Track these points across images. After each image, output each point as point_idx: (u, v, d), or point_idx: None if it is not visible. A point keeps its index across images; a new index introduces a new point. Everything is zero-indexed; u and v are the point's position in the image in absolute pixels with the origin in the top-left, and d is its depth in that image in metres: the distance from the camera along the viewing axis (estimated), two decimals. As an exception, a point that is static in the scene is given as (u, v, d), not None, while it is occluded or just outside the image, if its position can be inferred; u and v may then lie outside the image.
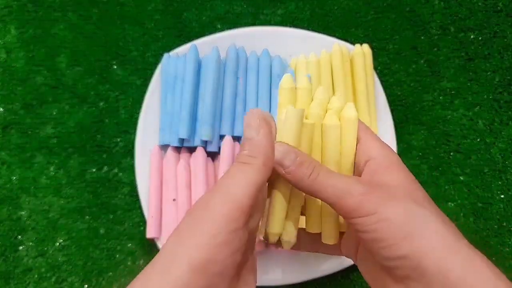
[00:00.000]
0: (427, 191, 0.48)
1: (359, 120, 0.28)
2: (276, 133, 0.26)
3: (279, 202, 0.27)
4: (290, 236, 0.28)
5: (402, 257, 0.23)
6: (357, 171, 0.28)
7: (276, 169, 0.25)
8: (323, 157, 0.28)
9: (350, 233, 0.30)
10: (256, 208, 0.25)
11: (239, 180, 0.23)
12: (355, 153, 0.28)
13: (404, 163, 0.48)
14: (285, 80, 0.28)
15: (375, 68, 0.48)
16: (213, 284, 0.21)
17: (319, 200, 0.28)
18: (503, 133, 0.49)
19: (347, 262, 0.43)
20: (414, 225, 0.23)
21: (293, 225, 0.28)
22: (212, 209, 0.22)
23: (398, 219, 0.23)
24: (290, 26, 0.51)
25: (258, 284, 0.43)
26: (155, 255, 0.23)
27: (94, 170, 0.47)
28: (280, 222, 0.28)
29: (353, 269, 0.45)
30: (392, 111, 0.47)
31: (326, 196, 0.25)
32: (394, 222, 0.23)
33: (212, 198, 0.23)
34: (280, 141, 0.26)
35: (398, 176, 0.26)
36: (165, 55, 0.46)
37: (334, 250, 0.31)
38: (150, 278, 0.21)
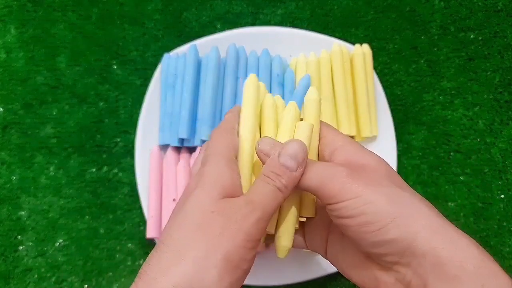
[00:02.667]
0: (427, 191, 0.48)
1: (321, 121, 0.28)
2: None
3: (292, 215, 0.28)
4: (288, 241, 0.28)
5: (391, 241, 0.23)
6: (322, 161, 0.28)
7: (263, 159, 0.26)
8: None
9: (316, 225, 0.29)
10: None
11: (270, 201, 0.25)
12: (319, 141, 0.28)
13: (404, 163, 0.48)
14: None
15: (375, 68, 0.48)
16: (240, 278, 0.23)
17: None
18: (503, 133, 0.49)
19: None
20: (400, 208, 0.23)
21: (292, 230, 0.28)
22: (246, 218, 0.24)
23: (384, 202, 0.23)
24: (290, 26, 0.51)
25: (258, 283, 0.43)
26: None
27: (94, 170, 0.47)
28: (292, 236, 0.28)
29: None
30: (392, 111, 0.47)
31: (310, 183, 0.25)
32: (380, 205, 0.23)
33: (246, 209, 0.24)
34: (266, 136, 0.27)
35: (372, 159, 0.25)
36: (165, 55, 0.46)
37: (298, 243, 0.30)
38: (183, 272, 0.22)
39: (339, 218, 0.24)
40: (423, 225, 0.22)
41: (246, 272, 0.24)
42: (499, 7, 0.52)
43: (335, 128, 0.28)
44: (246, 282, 0.42)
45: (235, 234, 0.23)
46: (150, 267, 0.23)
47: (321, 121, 0.28)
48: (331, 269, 0.43)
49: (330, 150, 0.27)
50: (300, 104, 0.43)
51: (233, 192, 0.25)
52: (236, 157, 0.27)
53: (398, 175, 0.26)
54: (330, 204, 0.24)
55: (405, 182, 0.25)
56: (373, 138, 0.45)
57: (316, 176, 0.25)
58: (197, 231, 0.23)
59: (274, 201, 0.25)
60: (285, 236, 0.28)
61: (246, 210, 0.24)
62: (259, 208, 0.24)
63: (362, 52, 0.45)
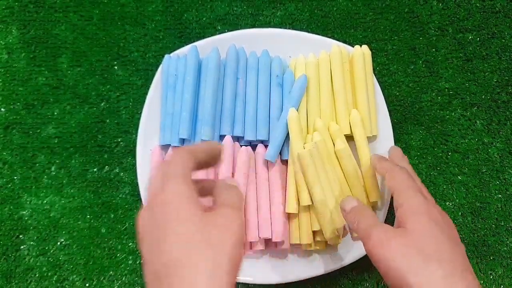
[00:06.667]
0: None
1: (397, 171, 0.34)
2: None
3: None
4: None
5: None
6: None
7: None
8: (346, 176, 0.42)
9: None
10: None
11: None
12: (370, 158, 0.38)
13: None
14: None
15: (374, 69, 0.48)
16: (236, 275, 0.25)
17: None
18: (501, 133, 0.49)
19: (346, 260, 0.43)
20: (413, 277, 0.26)
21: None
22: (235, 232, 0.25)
23: (403, 269, 0.27)
24: (289, 27, 0.51)
25: (258, 283, 0.43)
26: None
27: (95, 169, 0.48)
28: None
29: (352, 267, 0.45)
30: (390, 111, 0.47)
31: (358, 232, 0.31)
32: (400, 273, 0.27)
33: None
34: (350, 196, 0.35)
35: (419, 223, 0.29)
36: (166, 56, 0.46)
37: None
38: (198, 280, 0.22)
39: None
40: None
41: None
42: (497, 8, 0.52)
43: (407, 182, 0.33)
44: (247, 281, 0.42)
45: (230, 241, 0.24)
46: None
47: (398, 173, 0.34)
48: (330, 268, 0.43)
49: (396, 206, 0.32)
50: (296, 103, 0.43)
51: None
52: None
53: (436, 239, 0.28)
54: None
55: (443, 248, 0.28)
56: (372, 138, 0.46)
57: (354, 222, 0.32)
58: (200, 242, 0.23)
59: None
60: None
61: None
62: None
63: (362, 53, 0.45)
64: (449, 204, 0.48)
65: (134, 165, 0.45)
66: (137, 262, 0.46)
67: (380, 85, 0.47)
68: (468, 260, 0.28)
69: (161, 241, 0.23)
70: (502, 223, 0.47)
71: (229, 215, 0.25)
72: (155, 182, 0.26)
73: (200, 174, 0.42)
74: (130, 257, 0.46)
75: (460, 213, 0.47)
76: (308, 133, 0.44)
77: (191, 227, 0.24)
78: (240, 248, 0.24)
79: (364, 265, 0.46)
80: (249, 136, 0.43)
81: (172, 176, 0.25)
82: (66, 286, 0.45)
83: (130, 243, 0.46)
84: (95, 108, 0.49)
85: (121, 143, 0.48)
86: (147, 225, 0.25)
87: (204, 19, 0.52)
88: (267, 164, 0.44)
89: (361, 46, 0.46)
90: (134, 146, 0.46)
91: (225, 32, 0.48)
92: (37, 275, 0.45)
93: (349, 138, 0.44)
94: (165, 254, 0.23)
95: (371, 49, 0.47)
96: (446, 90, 0.50)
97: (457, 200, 0.48)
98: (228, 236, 0.24)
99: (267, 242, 0.43)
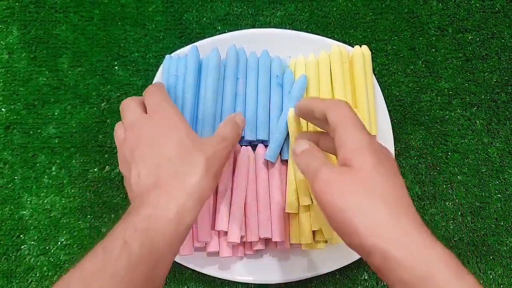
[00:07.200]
0: (424, 191, 0.49)
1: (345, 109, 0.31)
2: None
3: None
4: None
5: (355, 246, 0.26)
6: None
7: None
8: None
9: None
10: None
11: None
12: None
13: (402, 163, 0.48)
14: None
15: (374, 69, 0.48)
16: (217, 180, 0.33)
17: None
18: (500, 133, 0.49)
19: (346, 260, 0.43)
20: (359, 218, 0.25)
21: None
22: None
23: (350, 214, 0.25)
24: (289, 28, 0.51)
25: (258, 283, 0.43)
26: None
27: (95, 169, 0.48)
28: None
29: (352, 267, 0.45)
30: (390, 111, 0.47)
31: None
32: (346, 214, 0.26)
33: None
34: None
35: (361, 162, 0.27)
36: (167, 56, 0.46)
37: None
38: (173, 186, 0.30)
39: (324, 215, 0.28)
40: (378, 234, 0.25)
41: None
42: (496, 8, 0.52)
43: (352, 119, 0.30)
44: (247, 281, 0.42)
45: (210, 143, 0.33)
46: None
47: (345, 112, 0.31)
48: (330, 267, 0.43)
49: (337, 145, 0.29)
50: (296, 103, 0.43)
51: None
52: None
53: (382, 178, 0.27)
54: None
55: (389, 186, 0.27)
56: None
57: (303, 165, 0.30)
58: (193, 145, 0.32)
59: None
60: None
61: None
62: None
63: (362, 53, 0.45)
64: (449, 204, 0.48)
65: (135, 165, 0.46)
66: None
67: (380, 85, 0.47)
68: (408, 194, 0.27)
69: (159, 143, 0.31)
70: (502, 223, 0.47)
71: (215, 141, 0.33)
72: (152, 96, 0.36)
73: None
74: (131, 257, 0.46)
75: (460, 213, 0.47)
76: (308, 133, 0.44)
77: (183, 134, 0.32)
78: (220, 164, 0.33)
79: (364, 265, 0.46)
80: (249, 136, 0.43)
81: (162, 100, 0.35)
82: (67, 285, 0.45)
83: (131, 243, 0.46)
84: (95, 108, 0.49)
85: (122, 143, 0.48)
86: (143, 135, 0.32)
87: (204, 19, 0.52)
88: (267, 164, 0.44)
89: (361, 46, 0.46)
90: (135, 146, 0.46)
91: (225, 32, 0.49)
92: (37, 275, 0.45)
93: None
94: (164, 152, 0.31)
95: (371, 49, 0.47)
96: (446, 90, 0.50)
97: (457, 200, 0.48)
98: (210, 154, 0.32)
99: (267, 242, 0.43)
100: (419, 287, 0.23)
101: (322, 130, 0.36)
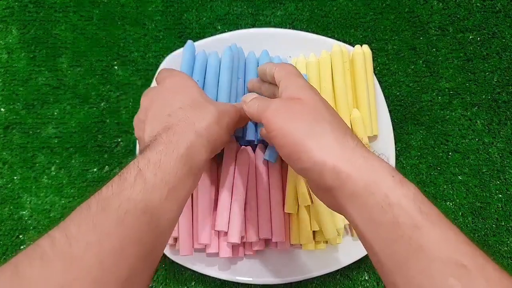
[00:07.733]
0: (425, 191, 0.49)
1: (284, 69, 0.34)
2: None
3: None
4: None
5: (307, 169, 0.27)
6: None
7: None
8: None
9: None
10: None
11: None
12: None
13: (403, 163, 0.48)
14: None
15: (374, 69, 0.48)
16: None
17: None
18: (501, 133, 0.49)
19: (346, 260, 0.43)
20: (312, 141, 0.27)
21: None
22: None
23: (299, 135, 0.27)
24: (289, 27, 0.51)
25: (258, 283, 0.43)
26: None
27: (95, 170, 0.48)
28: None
29: (352, 267, 0.45)
30: (390, 111, 0.47)
31: (250, 111, 0.33)
32: (297, 138, 0.27)
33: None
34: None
35: (306, 94, 0.30)
36: (168, 56, 0.46)
37: None
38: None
39: (276, 148, 0.30)
40: (327, 152, 0.27)
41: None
42: (497, 8, 0.52)
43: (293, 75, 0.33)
44: (247, 281, 0.42)
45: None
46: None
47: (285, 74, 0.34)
48: (329, 268, 0.43)
49: (282, 89, 0.32)
50: None
51: None
52: None
53: (326, 108, 0.30)
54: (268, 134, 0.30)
55: (332, 114, 0.29)
56: (373, 138, 0.46)
57: (254, 106, 0.32)
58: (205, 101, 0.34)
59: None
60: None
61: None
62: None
63: (362, 53, 0.45)
64: (449, 204, 0.48)
65: (134, 165, 0.45)
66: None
67: (380, 85, 0.47)
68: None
69: (171, 101, 0.33)
70: (503, 223, 0.47)
71: (226, 103, 0.36)
72: (164, 71, 0.37)
73: (202, 177, 0.42)
74: (130, 257, 0.46)
75: (460, 213, 0.47)
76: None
77: (195, 93, 0.33)
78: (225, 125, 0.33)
79: (364, 265, 0.46)
80: (249, 136, 0.43)
81: (173, 70, 0.36)
82: (66, 286, 0.45)
83: (130, 243, 0.46)
84: (95, 108, 0.49)
85: (121, 143, 0.48)
86: (157, 97, 0.33)
87: (204, 19, 0.52)
88: (267, 164, 0.44)
89: (361, 46, 0.46)
90: (134, 146, 0.46)
91: (225, 32, 0.48)
92: (37, 275, 0.45)
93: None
94: (176, 104, 0.32)
95: (371, 49, 0.47)
96: (447, 90, 0.50)
97: (458, 200, 0.48)
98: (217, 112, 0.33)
99: (267, 242, 0.43)
100: (366, 195, 0.25)
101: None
